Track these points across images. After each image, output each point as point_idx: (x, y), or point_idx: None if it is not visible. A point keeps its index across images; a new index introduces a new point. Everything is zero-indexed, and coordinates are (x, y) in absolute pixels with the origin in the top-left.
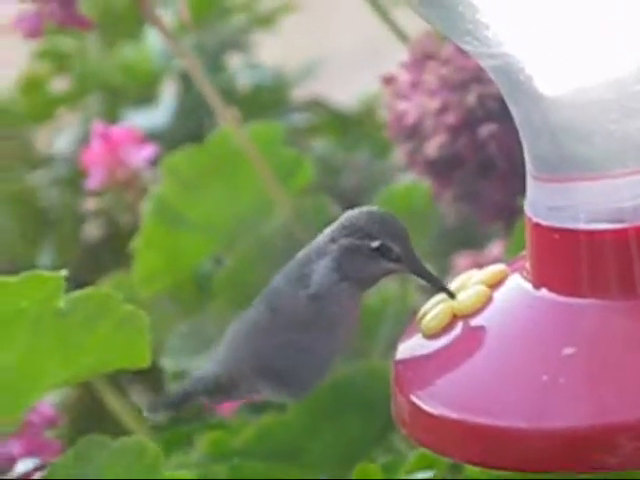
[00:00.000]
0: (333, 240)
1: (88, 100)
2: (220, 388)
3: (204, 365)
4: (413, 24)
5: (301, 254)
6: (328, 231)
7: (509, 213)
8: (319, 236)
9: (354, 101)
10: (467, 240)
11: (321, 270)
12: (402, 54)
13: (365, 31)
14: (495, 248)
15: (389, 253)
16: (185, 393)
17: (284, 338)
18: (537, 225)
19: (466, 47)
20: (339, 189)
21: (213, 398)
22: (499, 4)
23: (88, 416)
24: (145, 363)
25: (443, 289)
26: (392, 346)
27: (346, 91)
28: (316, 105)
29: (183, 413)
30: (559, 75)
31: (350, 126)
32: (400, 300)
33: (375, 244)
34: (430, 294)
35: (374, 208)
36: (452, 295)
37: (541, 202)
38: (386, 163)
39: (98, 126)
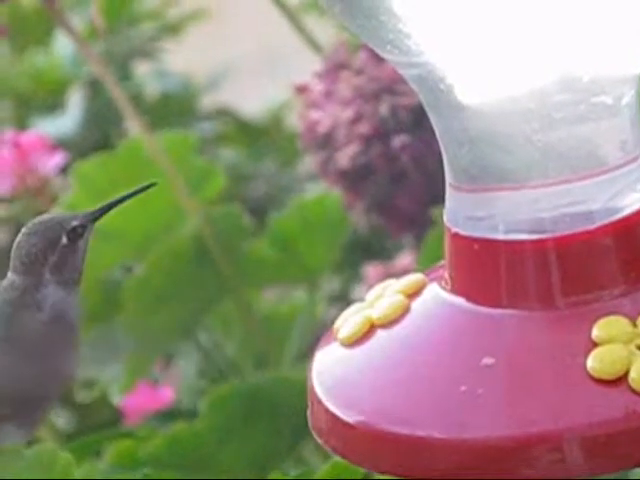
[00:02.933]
0: (36, 273)
1: None
2: None
3: None
4: (322, 32)
5: (5, 295)
6: (15, 274)
7: (420, 224)
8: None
9: (258, 110)
10: (378, 250)
11: (51, 295)
12: (306, 63)
13: (262, 39)
14: (405, 258)
15: (77, 232)
16: None
17: (23, 365)
18: (456, 235)
19: (387, 56)
20: (247, 198)
21: None
22: (421, 14)
23: None
24: None
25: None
26: (301, 356)
27: (248, 100)
28: (223, 114)
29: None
30: (480, 84)
31: (257, 135)
32: (309, 310)
33: (64, 240)
34: (339, 304)
35: (29, 229)
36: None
37: (460, 212)
38: (294, 172)
39: (8, 133)
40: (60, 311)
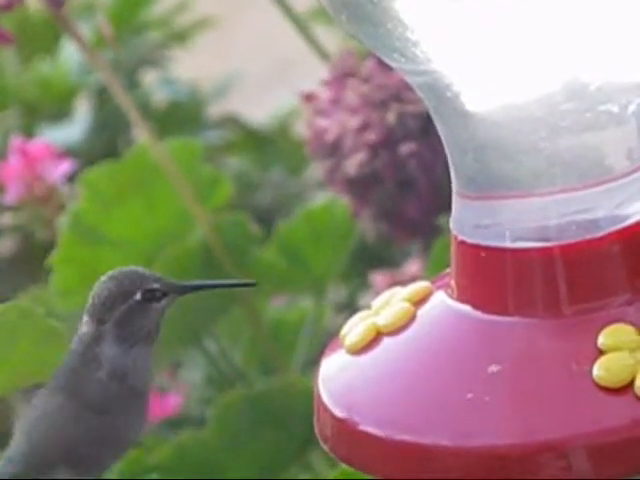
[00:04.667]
0: (101, 321)
1: (4, 115)
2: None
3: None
4: (330, 41)
5: (76, 345)
6: (87, 316)
7: (428, 231)
8: (81, 326)
9: (265, 118)
10: (385, 258)
11: (107, 350)
12: (313, 72)
13: (270, 47)
14: (413, 266)
15: (154, 294)
16: None
17: (86, 423)
18: (462, 243)
19: (394, 64)
20: (254, 206)
21: None
22: (427, 22)
23: None
24: None
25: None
26: (308, 363)
27: (255, 108)
28: (231, 122)
29: None
30: (487, 92)
31: (265, 143)
32: (316, 318)
33: (138, 296)
34: (346, 312)
35: (110, 274)
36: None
37: (467, 220)
38: (301, 180)
39: (16, 141)
40: (119, 371)
